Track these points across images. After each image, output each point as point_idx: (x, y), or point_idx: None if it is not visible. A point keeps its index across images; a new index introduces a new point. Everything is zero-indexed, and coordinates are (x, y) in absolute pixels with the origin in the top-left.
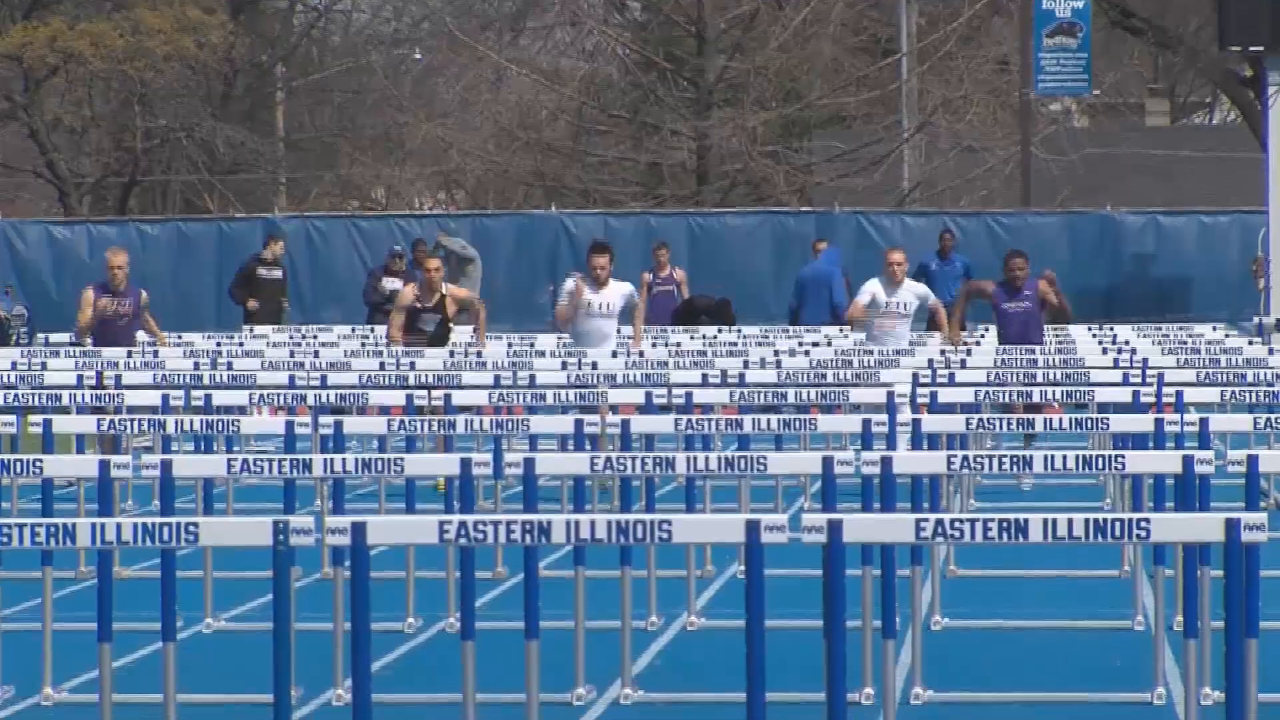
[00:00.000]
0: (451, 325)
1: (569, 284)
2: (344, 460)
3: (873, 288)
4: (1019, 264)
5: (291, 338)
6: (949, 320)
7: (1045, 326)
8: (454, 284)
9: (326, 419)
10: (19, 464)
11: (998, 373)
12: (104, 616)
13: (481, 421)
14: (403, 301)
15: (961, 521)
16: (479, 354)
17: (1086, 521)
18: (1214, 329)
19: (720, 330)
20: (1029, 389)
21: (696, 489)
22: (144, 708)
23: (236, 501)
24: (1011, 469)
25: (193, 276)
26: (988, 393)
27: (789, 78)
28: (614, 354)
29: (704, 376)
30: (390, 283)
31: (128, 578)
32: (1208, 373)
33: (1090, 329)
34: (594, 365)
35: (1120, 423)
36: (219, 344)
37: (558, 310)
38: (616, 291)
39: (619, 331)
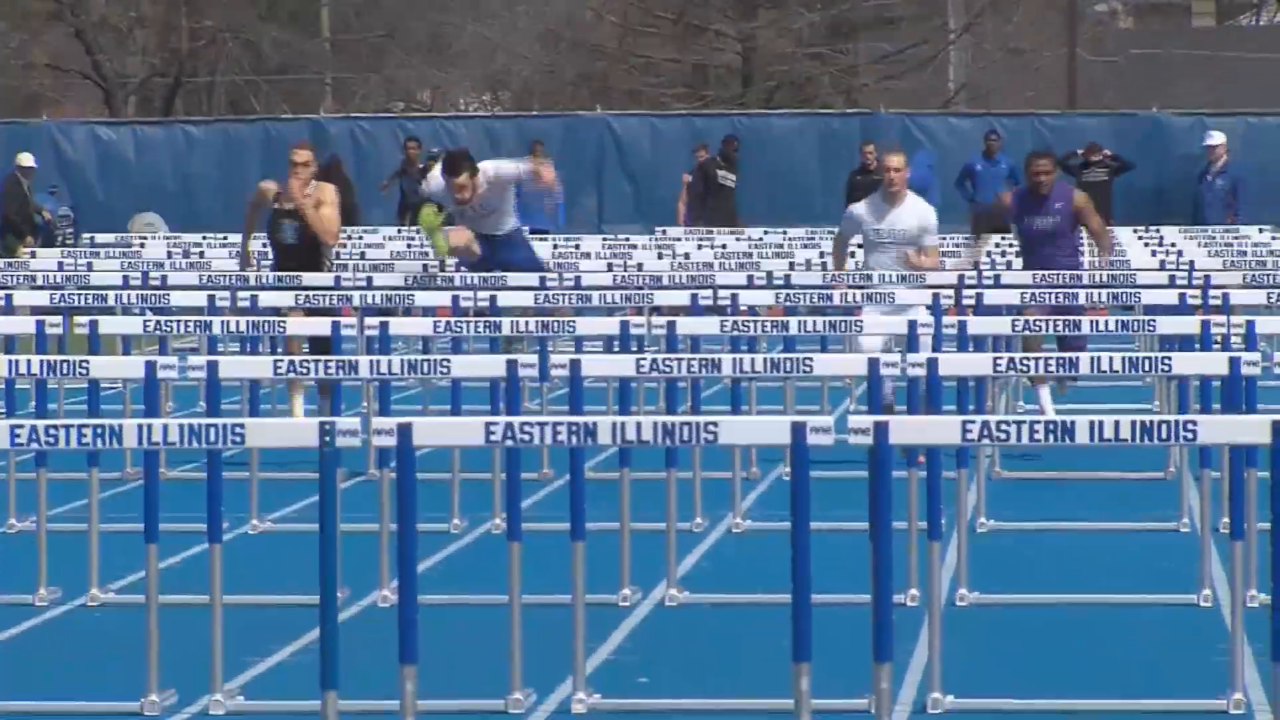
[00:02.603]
0: (324, 236)
1: None
2: (390, 361)
3: (859, 211)
4: (1044, 165)
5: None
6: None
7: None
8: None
9: (372, 320)
10: (65, 365)
11: (1044, 275)
12: (150, 518)
13: (527, 323)
14: (257, 198)
15: (1008, 423)
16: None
17: (1133, 423)
18: (1260, 231)
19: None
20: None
21: (742, 391)
22: (190, 609)
23: (282, 403)
24: (1058, 370)
25: (238, 178)
26: (1034, 294)
27: None
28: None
29: (750, 278)
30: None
31: (174, 479)
32: (1254, 275)
33: (1136, 231)
34: (639, 267)
35: (1166, 325)
36: (265, 244)
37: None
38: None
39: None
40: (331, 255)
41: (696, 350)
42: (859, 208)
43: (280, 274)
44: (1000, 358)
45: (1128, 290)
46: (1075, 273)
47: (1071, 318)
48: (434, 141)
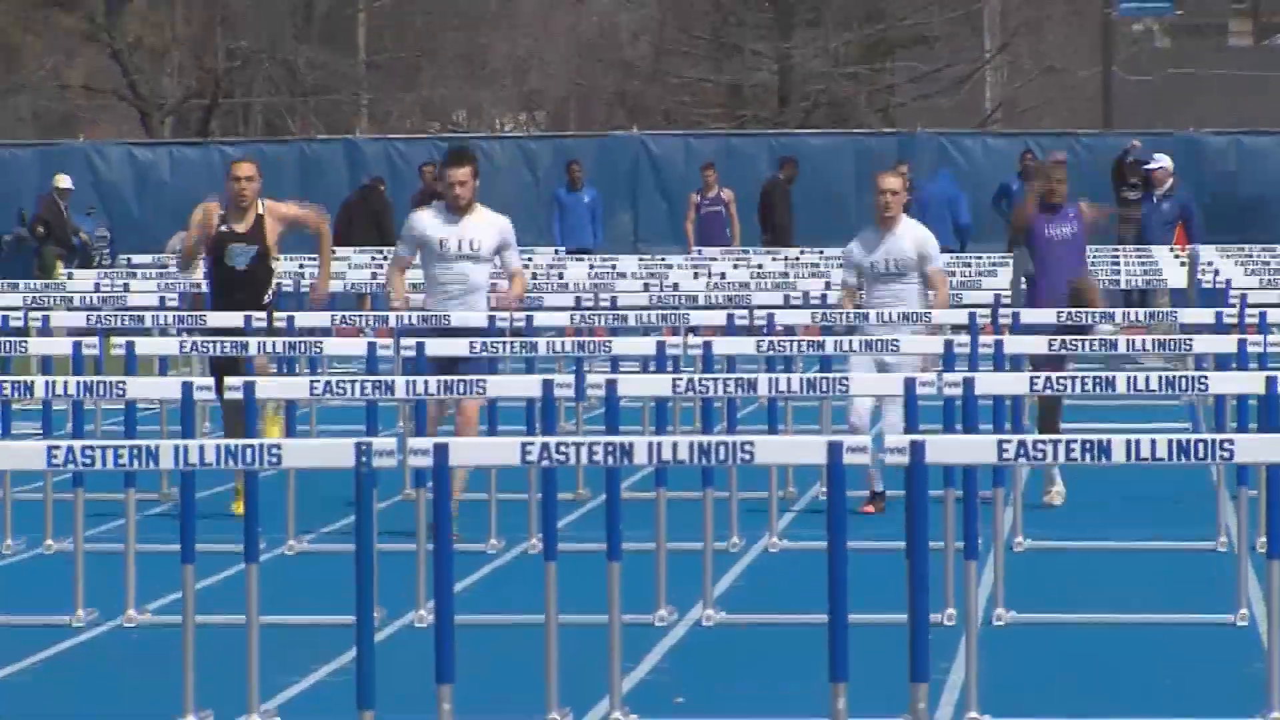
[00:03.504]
0: (275, 258)
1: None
2: (426, 382)
3: (852, 249)
4: (1061, 174)
5: (374, 259)
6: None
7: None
8: None
9: (408, 341)
10: (102, 386)
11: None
12: (187, 538)
13: (563, 343)
14: (200, 220)
15: (1044, 442)
16: (389, 296)
17: (1170, 442)
18: None
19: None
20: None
21: (779, 410)
22: (227, 629)
23: (319, 423)
24: (1094, 390)
25: (274, 197)
26: (1070, 313)
27: None
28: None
29: (786, 298)
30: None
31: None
32: None
33: (1172, 249)
34: (675, 287)
35: (1203, 344)
36: (301, 265)
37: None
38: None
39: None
40: (274, 283)
41: (733, 370)
42: (853, 244)
43: (224, 304)
44: (1036, 376)
45: (1163, 310)
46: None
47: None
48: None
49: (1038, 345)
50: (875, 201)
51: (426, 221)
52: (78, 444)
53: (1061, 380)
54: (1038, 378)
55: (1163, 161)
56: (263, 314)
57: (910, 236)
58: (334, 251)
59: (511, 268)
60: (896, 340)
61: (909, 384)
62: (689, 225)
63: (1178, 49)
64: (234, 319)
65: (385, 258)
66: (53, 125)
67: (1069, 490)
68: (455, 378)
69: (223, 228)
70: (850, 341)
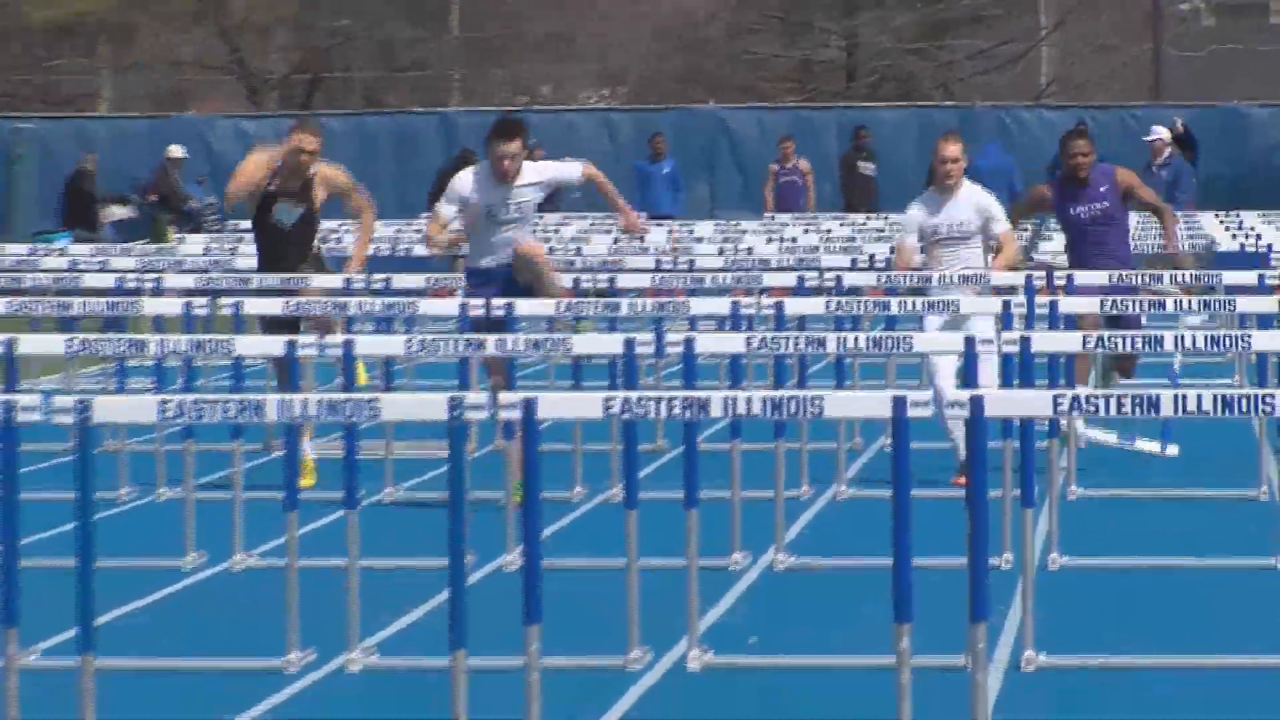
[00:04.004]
0: (318, 221)
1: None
2: (515, 340)
3: (913, 212)
4: (1080, 146)
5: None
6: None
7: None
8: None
9: (499, 301)
10: (211, 344)
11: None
12: (290, 487)
13: (644, 304)
14: (251, 172)
15: (1096, 396)
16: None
17: (1215, 396)
18: None
19: (869, 218)
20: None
21: (846, 366)
22: (328, 571)
23: (415, 379)
24: (1144, 348)
25: (373, 167)
26: (1121, 275)
27: None
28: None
29: (853, 261)
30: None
31: (320, 455)
32: None
33: (1218, 215)
34: (749, 251)
35: (1246, 304)
36: (398, 230)
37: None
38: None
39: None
40: (317, 240)
41: (803, 329)
42: (914, 208)
43: (270, 260)
44: (1089, 335)
45: (1209, 273)
46: (1127, 263)
47: (1129, 333)
48: (556, 134)
49: (1090, 305)
50: (936, 170)
51: (471, 186)
52: (188, 398)
53: (1112, 339)
54: (1090, 336)
55: (1159, 133)
56: (304, 272)
57: (971, 202)
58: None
59: (570, 176)
60: (957, 301)
61: (969, 342)
62: (768, 192)
63: (1222, 27)
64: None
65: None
66: (165, 100)
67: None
68: (543, 334)
69: (272, 186)
70: (915, 302)
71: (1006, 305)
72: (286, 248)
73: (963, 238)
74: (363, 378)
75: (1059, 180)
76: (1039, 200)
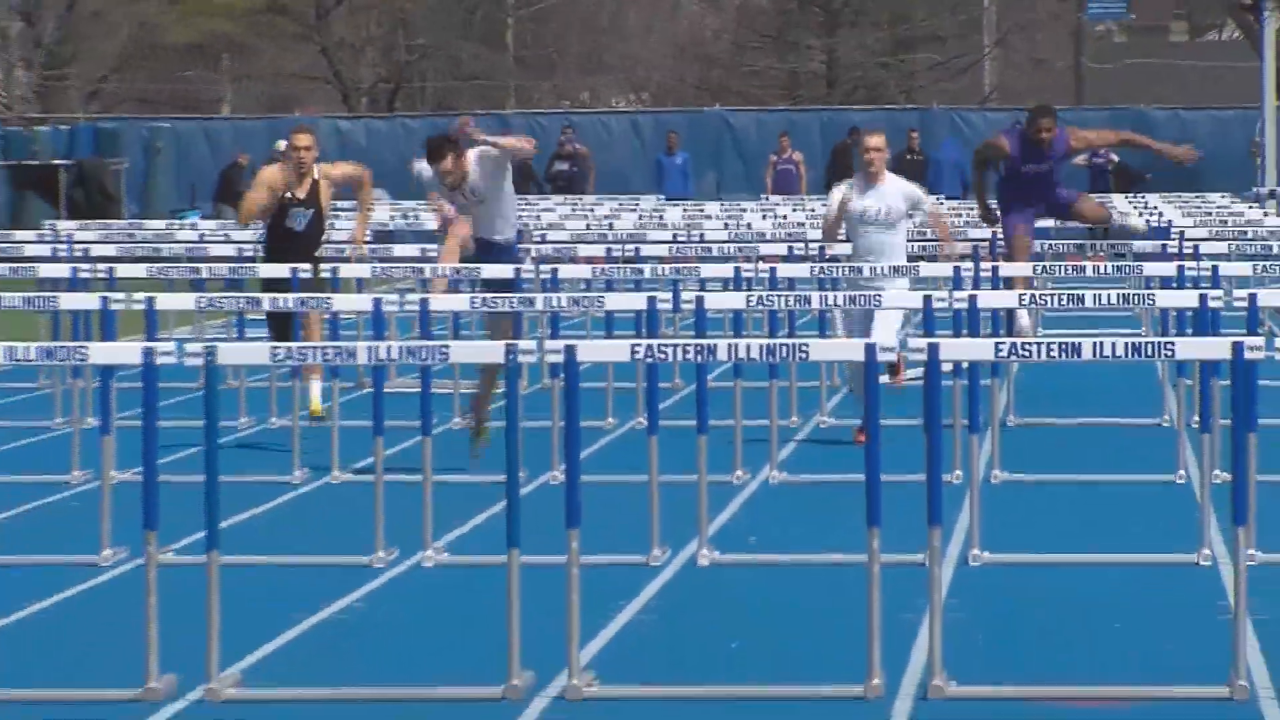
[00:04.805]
0: (327, 218)
1: (837, 192)
2: (559, 298)
3: (841, 191)
4: (1046, 124)
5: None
6: (978, 198)
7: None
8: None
9: (545, 267)
10: (313, 301)
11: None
12: (378, 416)
13: (663, 269)
14: (267, 181)
15: (1030, 344)
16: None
17: (1126, 344)
18: (1222, 197)
19: None
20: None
21: (827, 319)
22: (408, 485)
23: (479, 330)
24: (1066, 305)
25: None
26: (1050, 244)
27: (899, 4)
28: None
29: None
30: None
31: (395, 390)
32: (1218, 230)
33: (1128, 197)
34: (749, 226)
35: (1152, 269)
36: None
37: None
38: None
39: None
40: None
41: (792, 289)
42: (843, 186)
43: (279, 258)
44: (1024, 294)
45: (1121, 242)
46: (1056, 207)
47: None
48: (593, 133)
49: (1026, 270)
50: (861, 158)
51: (444, 192)
52: (294, 345)
53: (1043, 298)
54: (1024, 296)
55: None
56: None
57: (898, 190)
58: (374, 205)
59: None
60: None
61: (927, 301)
62: (768, 178)
63: (1132, 44)
64: (282, 270)
65: (528, 203)
66: (275, 104)
67: (1047, 393)
68: (582, 293)
69: (286, 194)
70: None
71: (956, 270)
72: (295, 245)
73: (889, 225)
74: (317, 408)
75: (1019, 137)
76: (999, 150)
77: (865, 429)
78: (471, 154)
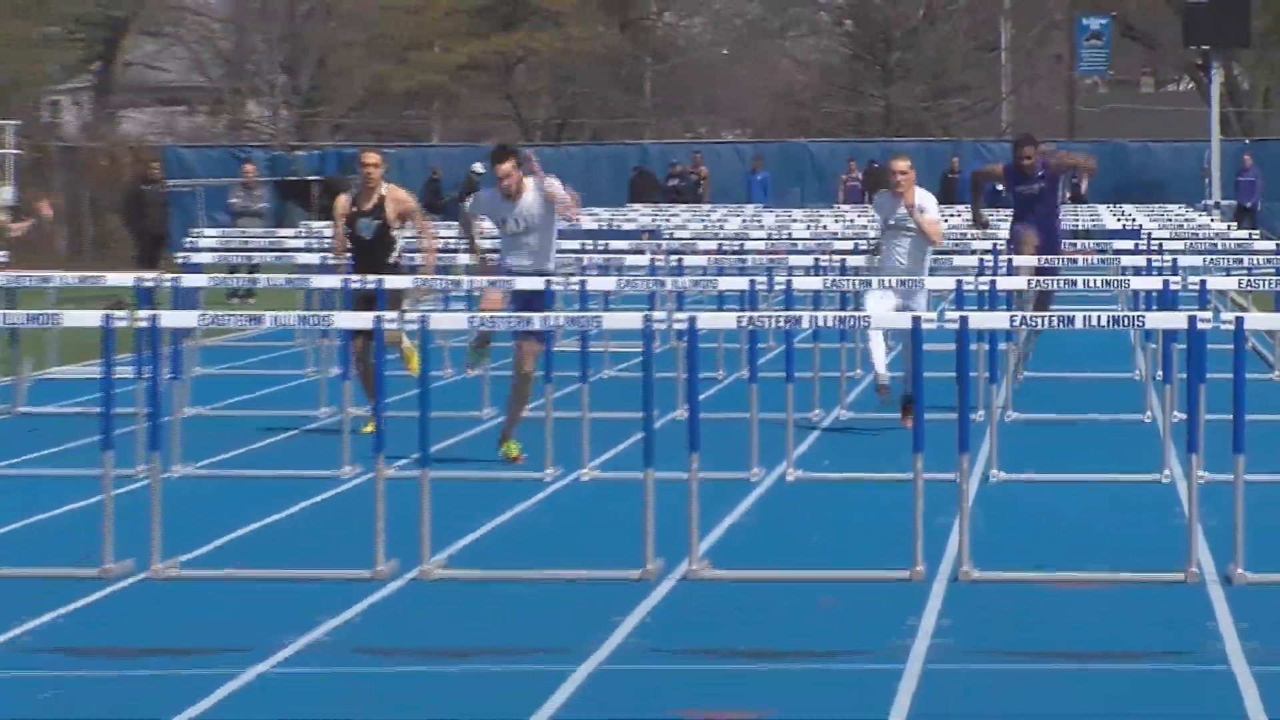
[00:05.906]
0: (395, 232)
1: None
2: (684, 280)
3: (877, 199)
4: (1029, 153)
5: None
6: (974, 209)
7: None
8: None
9: (673, 257)
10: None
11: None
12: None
13: (760, 259)
14: (338, 209)
15: (1034, 316)
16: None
17: (1108, 317)
18: (1179, 208)
19: None
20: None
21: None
22: (569, 420)
23: (623, 304)
24: (1062, 288)
25: (596, 178)
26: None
27: (938, 64)
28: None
29: None
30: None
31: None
32: (1176, 231)
33: (1109, 207)
34: (824, 228)
35: (1127, 261)
36: (611, 214)
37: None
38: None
39: None
40: (398, 249)
41: (857, 275)
42: (879, 197)
43: (359, 263)
44: (1033, 279)
45: (1102, 240)
46: (1054, 226)
47: (1049, 274)
48: (709, 158)
49: (1033, 261)
50: (888, 180)
51: (486, 203)
52: (476, 316)
53: (1046, 282)
54: (1032, 281)
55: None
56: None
57: (919, 199)
58: (436, 237)
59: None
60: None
61: (959, 284)
62: (840, 192)
63: (1112, 93)
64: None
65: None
66: (471, 136)
67: (1048, 354)
68: (699, 277)
69: (354, 207)
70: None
71: (980, 261)
72: (367, 253)
73: (910, 230)
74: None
75: (1011, 168)
76: (995, 174)
77: (910, 395)
78: (531, 182)
